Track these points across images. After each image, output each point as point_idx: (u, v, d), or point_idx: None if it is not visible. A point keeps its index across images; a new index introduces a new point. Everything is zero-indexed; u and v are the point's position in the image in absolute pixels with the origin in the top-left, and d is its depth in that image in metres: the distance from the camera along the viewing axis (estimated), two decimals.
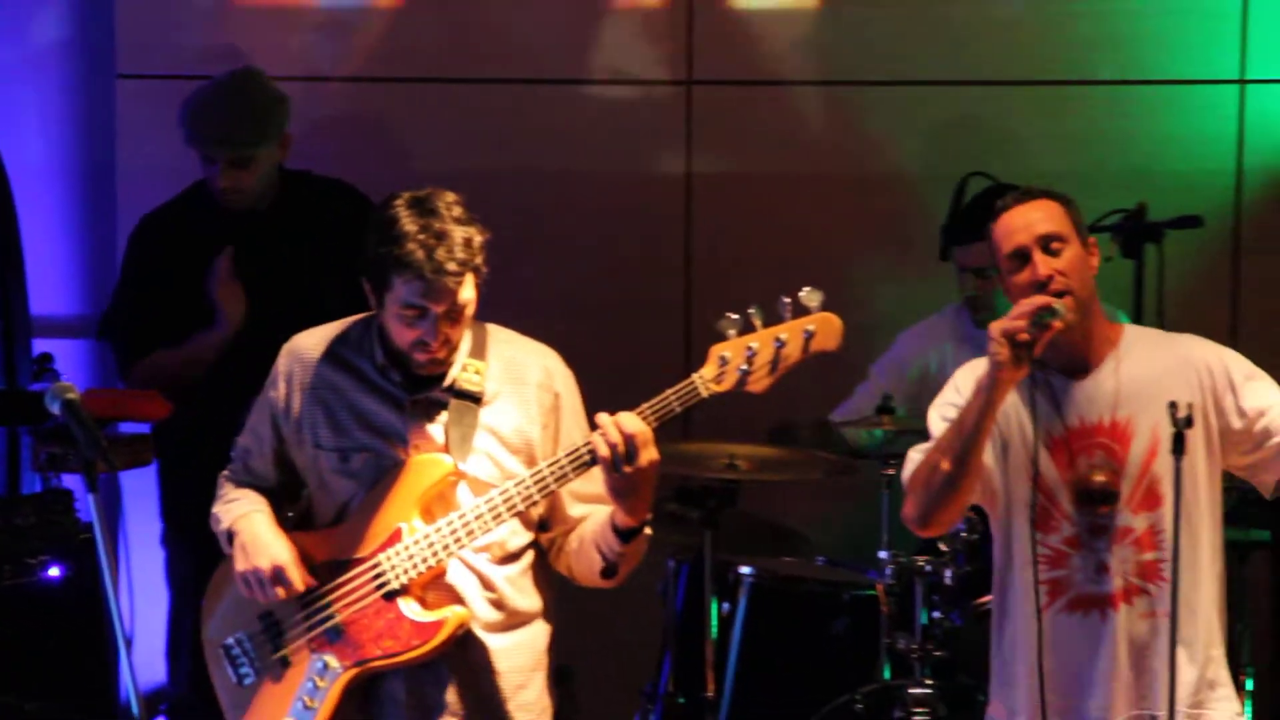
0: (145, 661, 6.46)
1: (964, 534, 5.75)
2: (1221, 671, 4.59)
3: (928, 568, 5.75)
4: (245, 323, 5.99)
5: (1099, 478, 4.55)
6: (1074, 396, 4.59)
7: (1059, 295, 4.49)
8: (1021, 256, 4.54)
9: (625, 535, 4.51)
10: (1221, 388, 4.56)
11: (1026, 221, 4.55)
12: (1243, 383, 4.57)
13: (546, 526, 4.68)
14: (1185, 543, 4.51)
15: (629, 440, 4.38)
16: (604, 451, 4.40)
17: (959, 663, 5.78)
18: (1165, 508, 4.52)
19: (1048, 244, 4.54)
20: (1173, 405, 4.40)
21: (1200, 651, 4.57)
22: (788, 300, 4.42)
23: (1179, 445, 4.41)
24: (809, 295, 4.42)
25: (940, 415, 4.60)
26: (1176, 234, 5.86)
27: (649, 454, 4.39)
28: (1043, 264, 4.52)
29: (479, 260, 4.50)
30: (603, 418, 4.42)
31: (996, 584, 4.67)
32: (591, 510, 4.63)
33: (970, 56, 6.91)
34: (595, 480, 4.56)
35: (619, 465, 4.40)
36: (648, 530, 4.54)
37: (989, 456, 4.57)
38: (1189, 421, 4.40)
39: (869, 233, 6.90)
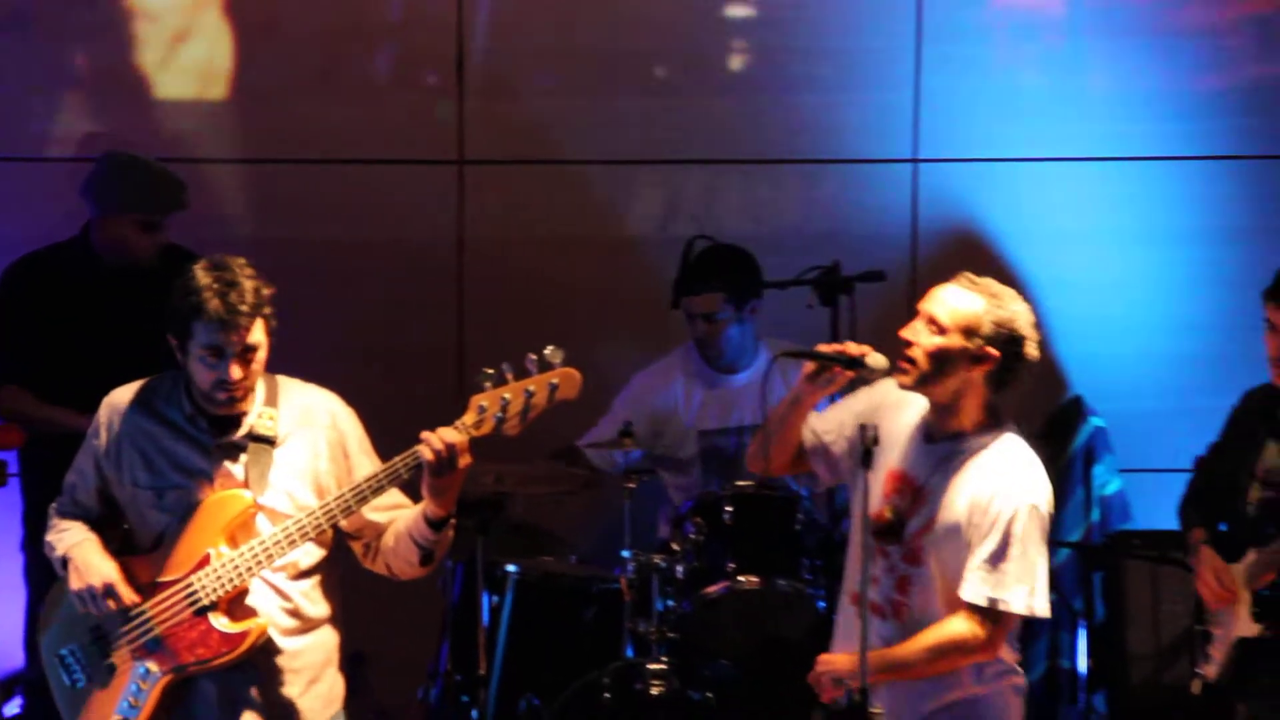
0: (4, 651, 6.42)
1: (693, 535, 5.78)
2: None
3: (663, 564, 5.75)
4: (110, 368, 5.79)
5: (887, 515, 4.52)
6: (916, 451, 4.54)
7: (907, 359, 4.44)
8: (916, 314, 4.50)
9: (437, 525, 4.55)
10: (980, 532, 4.42)
11: (938, 298, 4.48)
12: (988, 541, 4.41)
13: (357, 536, 4.71)
14: (924, 603, 4.49)
15: (450, 448, 4.41)
16: (430, 456, 4.41)
17: (688, 643, 5.78)
18: (924, 570, 4.49)
19: (928, 321, 4.45)
20: (863, 426, 4.42)
21: None
22: (534, 357, 4.43)
23: (867, 460, 4.42)
24: (553, 353, 4.44)
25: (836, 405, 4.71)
26: (864, 285, 5.87)
27: (466, 459, 4.45)
28: (909, 330, 4.48)
29: (267, 309, 4.51)
30: (426, 433, 4.43)
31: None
32: (393, 516, 4.67)
33: (696, 140, 6.89)
34: (392, 495, 4.62)
35: (443, 469, 4.42)
36: (453, 520, 4.57)
37: (841, 452, 4.61)
38: (875, 439, 4.41)
39: (614, 287, 6.87)
